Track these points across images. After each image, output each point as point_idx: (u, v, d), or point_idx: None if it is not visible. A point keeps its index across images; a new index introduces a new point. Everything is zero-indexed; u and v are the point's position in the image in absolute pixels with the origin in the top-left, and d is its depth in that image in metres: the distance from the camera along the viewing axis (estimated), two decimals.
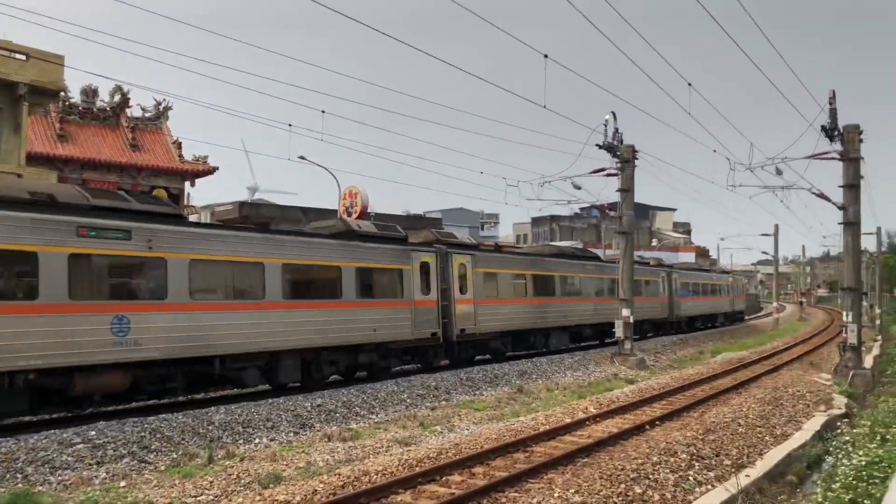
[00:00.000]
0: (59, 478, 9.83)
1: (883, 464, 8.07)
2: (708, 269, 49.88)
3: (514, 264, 25.09)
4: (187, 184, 35.97)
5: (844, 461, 9.06)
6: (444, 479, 9.83)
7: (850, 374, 20.40)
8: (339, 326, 16.86)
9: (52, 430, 11.44)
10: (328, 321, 16.57)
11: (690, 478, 10.01)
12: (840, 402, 16.63)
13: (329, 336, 16.65)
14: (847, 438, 10.68)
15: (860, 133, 21.35)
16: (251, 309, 14.84)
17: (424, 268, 19.90)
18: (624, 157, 24.94)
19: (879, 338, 40.67)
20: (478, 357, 23.21)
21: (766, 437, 12.89)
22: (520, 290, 24.90)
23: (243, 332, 14.58)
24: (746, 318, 58.68)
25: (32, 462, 10.08)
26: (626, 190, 25.27)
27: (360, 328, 17.51)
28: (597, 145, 24.35)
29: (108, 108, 34.82)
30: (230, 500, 8.92)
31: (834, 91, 21.12)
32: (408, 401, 16.28)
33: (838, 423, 13.64)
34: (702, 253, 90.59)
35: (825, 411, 15.17)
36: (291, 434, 12.97)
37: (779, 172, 23.29)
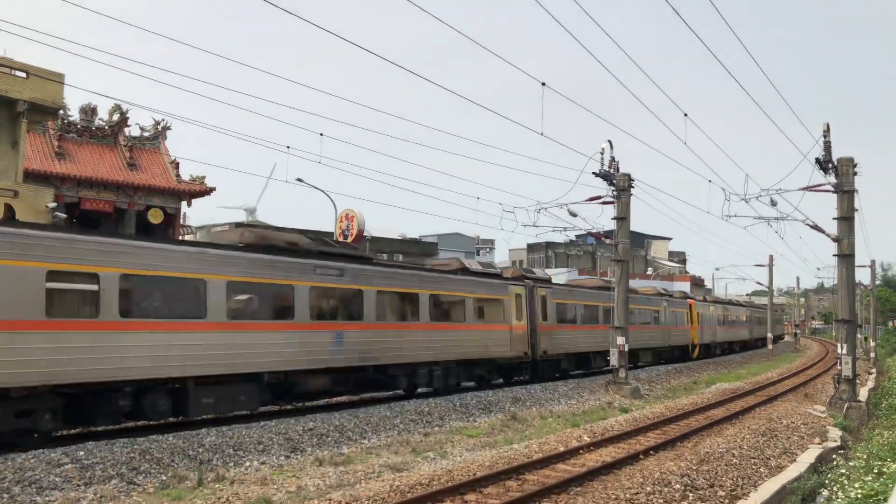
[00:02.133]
0: (46, 498, 9.70)
1: (879, 497, 8.03)
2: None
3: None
4: (184, 203, 36.03)
5: (840, 494, 9.01)
6: None
7: (845, 406, 20.36)
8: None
9: (41, 450, 11.32)
10: None
11: None
12: (835, 434, 16.58)
13: None
14: (843, 471, 10.61)
15: (854, 166, 21.55)
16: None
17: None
18: (620, 185, 25.10)
19: (874, 370, 40.66)
20: None
21: (761, 469, 12.82)
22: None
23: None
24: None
25: (20, 482, 9.96)
26: (622, 218, 25.41)
27: None
28: (593, 173, 24.51)
29: (106, 127, 34.98)
30: None
31: (828, 124, 21.34)
32: (400, 426, 16.17)
33: (833, 456, 13.60)
34: (697, 282, 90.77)
35: (820, 443, 15.12)
36: (282, 457, 12.86)
37: (773, 204, 23.44)
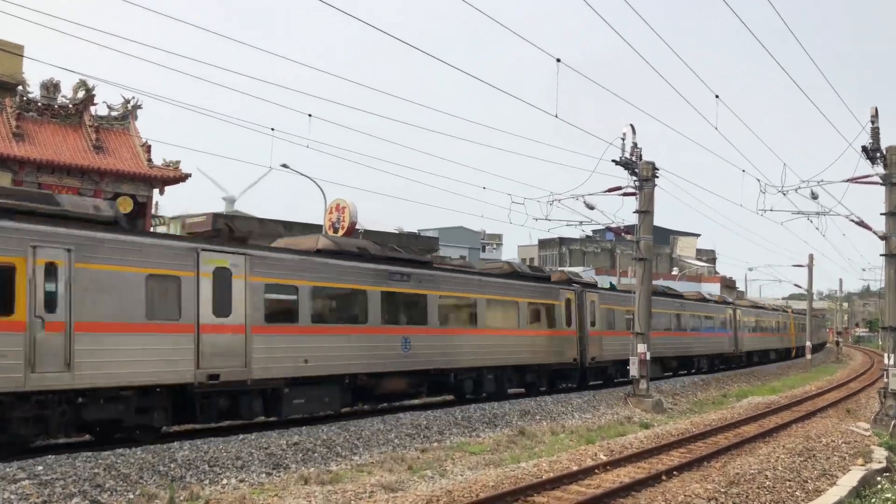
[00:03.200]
0: None
1: None
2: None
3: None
4: (156, 191, 36.02)
5: None
6: None
7: (892, 423, 20.34)
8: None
9: None
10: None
11: None
12: (880, 454, 16.56)
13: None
14: (888, 496, 10.63)
15: None
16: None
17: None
18: (643, 174, 25.03)
19: None
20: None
21: (797, 493, 12.82)
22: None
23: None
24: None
25: None
26: (645, 211, 25.35)
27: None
28: (613, 161, 24.40)
29: (70, 105, 34.97)
30: None
31: (877, 108, 21.27)
32: (395, 441, 16.20)
33: (878, 479, 13.59)
34: (727, 284, 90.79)
35: (863, 465, 15.10)
36: (263, 475, 12.88)
37: (814, 197, 23.41)
